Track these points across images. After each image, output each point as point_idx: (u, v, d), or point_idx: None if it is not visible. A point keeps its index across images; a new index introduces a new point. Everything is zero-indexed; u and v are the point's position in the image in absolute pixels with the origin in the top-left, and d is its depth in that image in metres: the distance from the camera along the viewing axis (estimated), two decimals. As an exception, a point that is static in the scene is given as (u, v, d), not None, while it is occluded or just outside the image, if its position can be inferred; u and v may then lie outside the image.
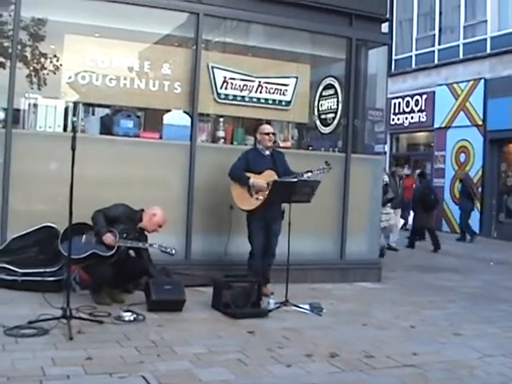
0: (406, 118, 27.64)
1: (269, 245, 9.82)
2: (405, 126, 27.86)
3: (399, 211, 18.34)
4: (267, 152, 9.93)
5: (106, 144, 10.08)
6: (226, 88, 11.16)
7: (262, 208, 9.60)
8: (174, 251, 8.79)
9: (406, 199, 25.00)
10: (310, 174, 9.72)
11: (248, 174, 9.68)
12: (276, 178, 9.58)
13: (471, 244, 21.30)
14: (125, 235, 8.59)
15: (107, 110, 10.76)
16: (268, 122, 11.11)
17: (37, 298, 8.32)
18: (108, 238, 8.41)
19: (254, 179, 9.63)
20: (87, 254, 8.42)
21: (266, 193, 9.56)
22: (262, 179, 9.65)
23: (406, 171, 26.38)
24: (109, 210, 8.59)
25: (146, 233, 8.96)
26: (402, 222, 18.40)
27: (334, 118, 12.23)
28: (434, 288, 11.87)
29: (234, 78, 11.23)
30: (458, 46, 25.63)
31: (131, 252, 8.91)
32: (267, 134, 9.90)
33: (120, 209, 8.69)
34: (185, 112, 10.81)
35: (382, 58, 13.16)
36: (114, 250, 8.45)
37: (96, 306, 8.22)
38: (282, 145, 11.60)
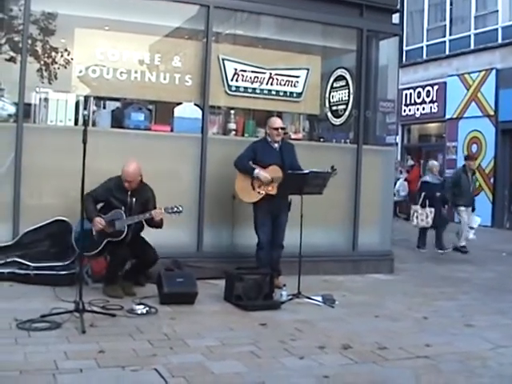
0: (418, 109, 27.56)
1: (276, 236, 9.84)
2: (416, 117, 27.78)
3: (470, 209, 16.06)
4: (276, 145, 9.91)
5: (117, 137, 10.07)
6: (236, 80, 11.16)
7: (267, 200, 9.63)
8: (181, 208, 8.66)
9: (412, 192, 25.25)
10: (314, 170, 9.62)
11: (254, 166, 9.70)
12: (280, 174, 9.60)
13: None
14: (127, 212, 8.58)
15: (118, 104, 10.78)
16: (279, 115, 11.13)
17: (49, 292, 8.39)
18: (96, 224, 8.38)
19: (260, 171, 9.64)
20: (102, 246, 8.51)
21: (269, 188, 9.58)
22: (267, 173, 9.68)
23: (410, 162, 26.50)
24: (97, 193, 8.52)
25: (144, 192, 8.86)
26: (477, 220, 16.65)
27: (345, 110, 12.20)
28: (446, 279, 11.85)
29: (244, 70, 11.22)
30: (469, 36, 25.53)
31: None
32: (276, 128, 9.87)
33: (106, 185, 8.56)
34: (196, 104, 10.82)
35: (393, 48, 13.14)
36: (125, 232, 8.48)
37: (108, 300, 8.24)
38: (293, 136, 11.60)
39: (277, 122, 10.03)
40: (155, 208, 8.65)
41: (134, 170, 8.60)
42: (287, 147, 10.02)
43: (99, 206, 8.71)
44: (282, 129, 10.00)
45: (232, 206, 10.31)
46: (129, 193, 8.67)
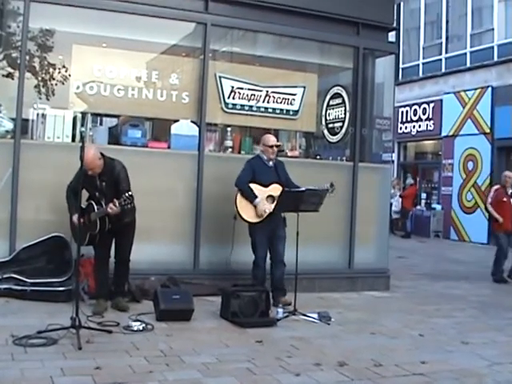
0: (414, 127, 27.63)
1: (276, 252, 9.76)
2: (412, 135, 27.85)
3: None
4: (271, 163, 9.90)
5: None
6: (233, 98, 11.19)
7: (264, 218, 9.60)
8: (131, 198, 8.14)
9: (405, 208, 25.47)
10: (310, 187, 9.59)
11: (254, 187, 9.66)
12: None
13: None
14: (97, 206, 8.54)
15: (115, 120, 10.81)
16: (275, 133, 11.17)
17: (46, 308, 8.37)
18: (73, 221, 8.46)
19: (261, 201, 9.58)
20: (87, 240, 8.60)
21: (272, 205, 9.52)
22: (269, 193, 9.65)
23: (409, 181, 26.66)
24: (73, 184, 8.46)
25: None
26: None
27: (341, 127, 12.24)
28: (442, 296, 11.84)
29: (241, 88, 11.25)
30: (465, 54, 25.61)
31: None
32: (271, 146, 9.83)
33: (77, 174, 8.16)
34: (192, 122, 10.84)
35: (389, 66, 13.15)
36: (98, 225, 8.48)
37: (104, 316, 8.25)
38: (289, 154, 11.62)
39: (271, 139, 9.98)
40: (129, 188, 8.50)
41: (91, 158, 8.32)
42: (280, 165, 10.02)
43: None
44: (278, 146, 10.01)
45: (228, 223, 10.27)
46: (97, 177, 8.58)
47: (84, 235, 8.50)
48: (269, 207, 9.55)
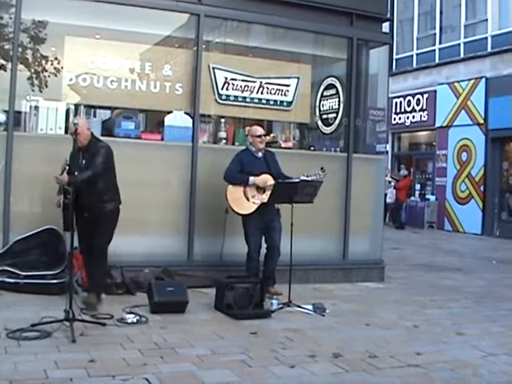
0: (408, 118, 27.64)
1: (272, 239, 9.69)
2: (406, 126, 27.85)
3: None
4: (260, 154, 9.85)
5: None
6: (227, 89, 11.16)
7: (257, 209, 9.55)
8: (66, 165, 7.91)
9: (399, 200, 25.54)
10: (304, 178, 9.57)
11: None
12: (273, 182, 9.52)
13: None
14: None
15: (108, 112, 10.77)
16: (269, 124, 11.15)
17: (39, 301, 8.34)
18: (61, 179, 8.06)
19: (255, 178, 9.56)
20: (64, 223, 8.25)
21: (263, 196, 9.51)
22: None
23: (403, 172, 26.69)
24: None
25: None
26: None
27: (335, 118, 12.22)
28: (437, 287, 11.84)
29: (235, 79, 11.22)
30: (459, 44, 25.62)
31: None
32: (259, 136, 9.82)
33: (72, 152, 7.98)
34: (186, 113, 10.81)
35: (383, 57, 13.11)
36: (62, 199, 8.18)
37: (97, 308, 8.22)
38: (283, 145, 11.60)
39: (258, 129, 9.95)
40: (103, 166, 8.20)
41: (82, 123, 8.11)
42: (270, 156, 9.97)
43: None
44: (265, 135, 9.97)
45: (223, 214, 10.26)
46: (81, 153, 8.25)
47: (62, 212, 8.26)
48: (261, 197, 9.52)
